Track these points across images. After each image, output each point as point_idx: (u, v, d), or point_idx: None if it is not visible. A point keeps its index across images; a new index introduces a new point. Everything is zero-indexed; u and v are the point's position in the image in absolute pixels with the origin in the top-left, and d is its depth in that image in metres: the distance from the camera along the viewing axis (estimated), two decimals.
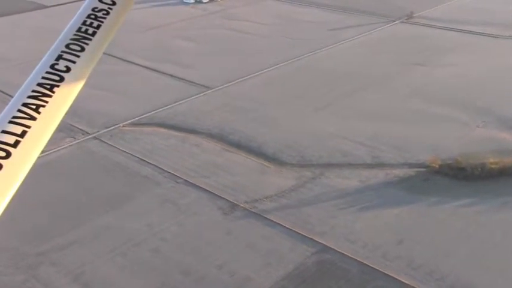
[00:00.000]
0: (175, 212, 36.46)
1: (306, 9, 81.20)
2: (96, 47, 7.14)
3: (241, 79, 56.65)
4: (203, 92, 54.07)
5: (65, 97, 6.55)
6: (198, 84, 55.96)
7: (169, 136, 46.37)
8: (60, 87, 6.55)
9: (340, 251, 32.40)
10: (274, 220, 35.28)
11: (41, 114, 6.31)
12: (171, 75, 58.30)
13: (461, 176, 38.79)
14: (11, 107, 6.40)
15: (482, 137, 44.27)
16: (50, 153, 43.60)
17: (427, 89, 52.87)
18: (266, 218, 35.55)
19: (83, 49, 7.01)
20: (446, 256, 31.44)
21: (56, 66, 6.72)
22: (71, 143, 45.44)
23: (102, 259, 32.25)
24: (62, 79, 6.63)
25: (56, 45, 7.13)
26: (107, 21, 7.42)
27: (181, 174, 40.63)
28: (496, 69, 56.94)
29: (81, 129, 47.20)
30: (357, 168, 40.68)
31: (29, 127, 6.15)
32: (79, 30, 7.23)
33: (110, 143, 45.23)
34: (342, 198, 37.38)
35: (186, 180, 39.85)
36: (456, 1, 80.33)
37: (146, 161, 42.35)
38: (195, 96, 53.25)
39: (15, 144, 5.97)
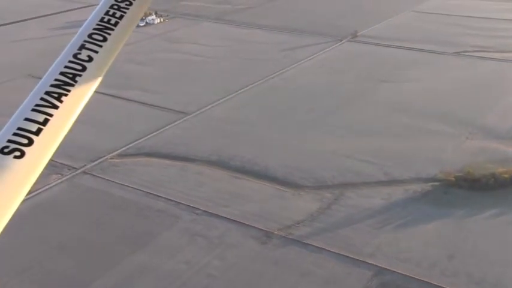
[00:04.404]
0: (210, 246, 34.12)
1: (247, 30, 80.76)
2: (118, 37, 7.18)
3: (216, 102, 54.86)
4: (182, 118, 51.68)
5: (86, 87, 6.61)
6: (172, 109, 53.46)
7: (165, 166, 43.67)
8: (82, 76, 6.65)
9: (397, 271, 31.76)
10: (317, 245, 34.02)
11: (63, 103, 6.37)
12: (140, 102, 55.26)
13: (477, 187, 39.63)
14: (34, 95, 6.44)
15: (476, 148, 45.68)
16: (40, 192, 39.60)
17: (404, 104, 53.96)
18: (308, 244, 34.20)
19: (105, 39, 7.06)
20: (503, 267, 31.74)
21: (79, 56, 6.81)
22: (60, 180, 41.49)
23: None
24: (84, 68, 6.71)
25: (79, 35, 7.13)
26: (129, 12, 7.44)
27: (197, 205, 38.26)
28: (457, 82, 59.39)
29: (65, 164, 43.22)
30: (373, 186, 40.39)
31: (51, 115, 6.21)
32: (102, 20, 7.27)
33: (105, 178, 41.78)
34: (374, 217, 36.83)
35: (205, 211, 37.56)
36: (392, 20, 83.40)
37: (154, 194, 39.51)
38: (175, 123, 50.76)
39: (38, 132, 6.04)
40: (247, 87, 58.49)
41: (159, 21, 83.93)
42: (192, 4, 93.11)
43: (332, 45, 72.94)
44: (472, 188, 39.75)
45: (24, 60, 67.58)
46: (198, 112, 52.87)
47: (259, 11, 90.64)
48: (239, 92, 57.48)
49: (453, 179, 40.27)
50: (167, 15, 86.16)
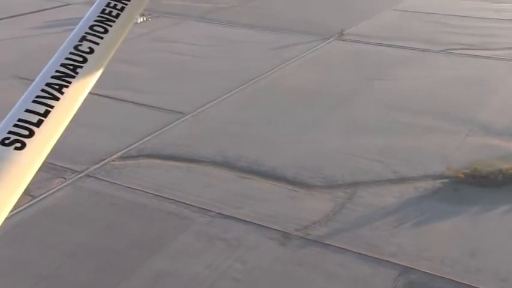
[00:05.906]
0: (229, 249, 33.43)
1: (232, 29, 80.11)
2: (119, 29, 7.14)
3: (213, 102, 54.09)
4: (180, 118, 50.76)
5: (87, 79, 6.57)
6: (168, 110, 52.49)
7: (170, 167, 42.73)
8: (83, 68, 6.62)
9: (422, 270, 31.67)
10: (338, 246, 33.68)
11: (63, 94, 6.35)
12: (135, 103, 54.08)
13: (486, 184, 39.92)
14: (35, 87, 6.42)
15: (477, 145, 46.05)
16: (44, 197, 38.35)
17: (400, 102, 54.17)
18: (328, 244, 33.84)
19: (106, 31, 7.02)
20: None
21: (80, 48, 6.76)
22: (64, 184, 40.19)
23: None
24: (85, 60, 6.67)
25: (80, 26, 7.09)
26: (130, 4, 7.38)
27: (209, 206, 37.50)
28: (449, 80, 59.99)
29: (66, 168, 41.94)
30: (384, 185, 40.29)
31: (52, 107, 6.18)
32: (103, 12, 7.20)
33: (110, 180, 40.63)
34: (389, 216, 36.70)
35: (219, 213, 36.83)
36: (375, 19, 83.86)
37: (163, 197, 38.57)
38: (174, 123, 49.80)
39: (38, 124, 6.00)
40: (241, 87, 57.88)
41: (142, 20, 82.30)
42: (173, 3, 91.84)
43: (320, 44, 72.85)
44: (481, 184, 40.00)
45: (8, 61, 65.41)
46: (196, 112, 52.02)
47: (242, 10, 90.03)
48: (234, 91, 56.82)
49: (462, 175, 40.47)
50: (150, 14, 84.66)
